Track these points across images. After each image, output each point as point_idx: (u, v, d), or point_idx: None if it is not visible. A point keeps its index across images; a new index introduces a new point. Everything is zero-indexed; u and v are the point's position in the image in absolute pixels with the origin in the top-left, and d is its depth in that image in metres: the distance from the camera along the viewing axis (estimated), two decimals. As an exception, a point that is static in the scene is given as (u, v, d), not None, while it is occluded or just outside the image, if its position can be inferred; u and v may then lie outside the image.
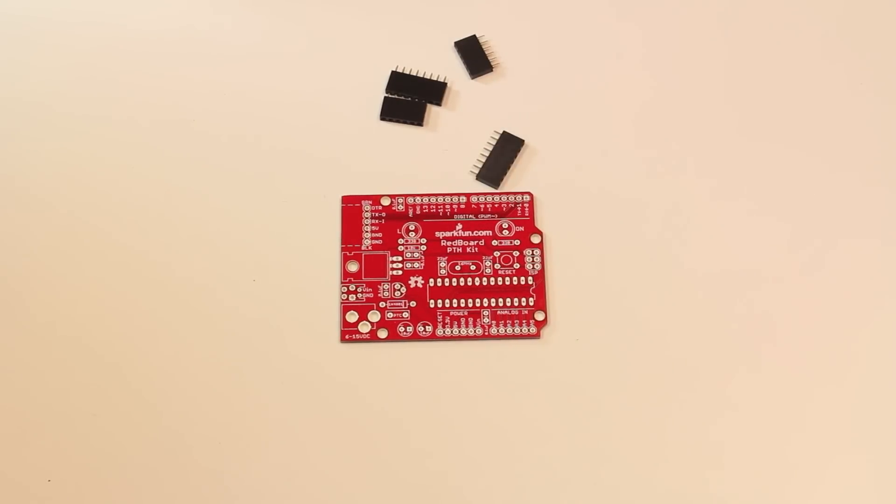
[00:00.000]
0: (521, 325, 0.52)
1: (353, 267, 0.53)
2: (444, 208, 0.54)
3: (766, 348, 0.52)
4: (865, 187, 0.54)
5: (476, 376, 0.51)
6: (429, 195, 0.54)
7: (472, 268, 0.53)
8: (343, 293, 0.52)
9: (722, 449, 0.50)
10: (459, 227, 0.54)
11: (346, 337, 0.52)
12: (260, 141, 0.55)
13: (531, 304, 0.52)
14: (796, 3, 0.57)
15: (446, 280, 0.53)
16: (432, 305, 0.52)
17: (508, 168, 0.54)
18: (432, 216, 0.54)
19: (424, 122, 0.55)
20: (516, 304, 0.52)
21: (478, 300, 0.52)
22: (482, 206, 0.54)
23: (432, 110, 0.56)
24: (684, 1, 0.57)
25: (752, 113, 0.55)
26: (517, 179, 0.55)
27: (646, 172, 0.54)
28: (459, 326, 0.52)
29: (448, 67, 0.56)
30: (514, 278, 0.53)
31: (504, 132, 0.55)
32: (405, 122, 0.55)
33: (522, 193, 0.54)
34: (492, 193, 0.54)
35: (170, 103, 0.55)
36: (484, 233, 0.54)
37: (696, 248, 0.53)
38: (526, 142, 0.55)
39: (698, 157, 0.55)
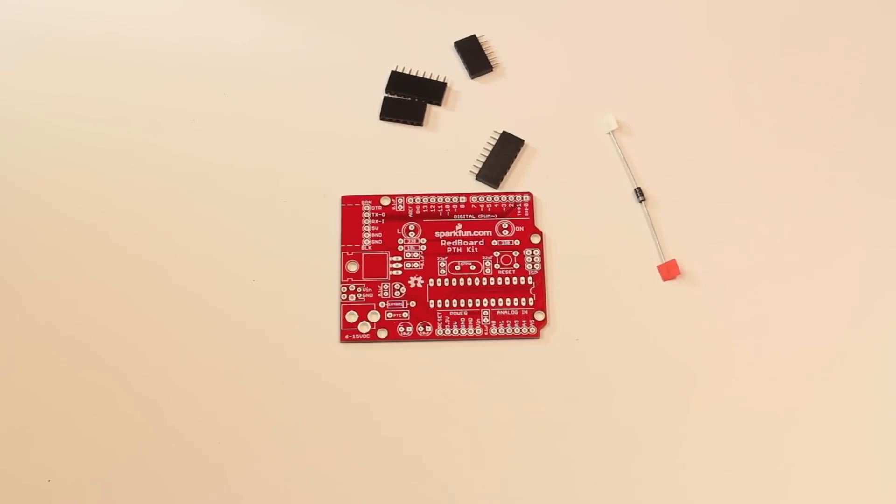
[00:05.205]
0: (520, 324, 0.52)
1: (352, 267, 0.53)
2: (444, 208, 0.54)
3: (765, 348, 0.52)
4: (865, 187, 0.54)
5: (476, 376, 0.51)
6: (429, 195, 0.54)
7: (472, 268, 0.53)
8: (343, 293, 0.52)
9: (721, 448, 0.50)
10: (459, 227, 0.54)
11: (346, 337, 0.52)
12: (260, 141, 0.55)
13: (531, 304, 0.52)
14: (795, 4, 0.57)
15: (446, 280, 0.53)
16: (432, 305, 0.52)
17: (508, 168, 0.54)
18: (432, 216, 0.54)
19: (424, 122, 0.55)
20: (516, 304, 0.52)
21: (478, 300, 0.52)
22: (482, 206, 0.54)
23: (432, 110, 0.56)
24: (683, 1, 0.57)
25: (753, 113, 0.55)
26: (517, 179, 0.54)
27: (646, 173, 0.54)
28: (459, 326, 0.52)
29: (448, 67, 0.56)
30: (514, 278, 0.53)
31: (504, 132, 0.55)
32: (405, 122, 0.55)
33: (522, 193, 0.54)
34: (492, 193, 0.54)
35: (170, 104, 0.55)
36: (484, 233, 0.54)
37: (695, 248, 0.53)
38: (526, 142, 0.55)
39: (698, 158, 0.55)
